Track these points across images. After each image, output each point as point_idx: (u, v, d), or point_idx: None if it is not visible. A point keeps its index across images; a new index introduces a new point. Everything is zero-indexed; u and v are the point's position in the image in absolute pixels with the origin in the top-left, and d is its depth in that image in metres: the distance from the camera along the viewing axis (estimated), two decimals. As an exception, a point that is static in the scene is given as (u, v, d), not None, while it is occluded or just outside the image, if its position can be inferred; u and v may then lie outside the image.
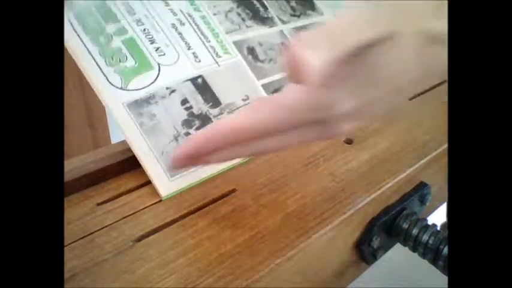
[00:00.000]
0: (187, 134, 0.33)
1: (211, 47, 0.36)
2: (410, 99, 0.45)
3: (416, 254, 0.33)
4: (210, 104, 0.34)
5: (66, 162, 0.32)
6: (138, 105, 0.32)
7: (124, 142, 0.33)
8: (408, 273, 0.93)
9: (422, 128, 0.40)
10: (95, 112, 0.97)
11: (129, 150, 0.32)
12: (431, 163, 0.36)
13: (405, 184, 0.34)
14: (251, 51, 0.38)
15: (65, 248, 0.26)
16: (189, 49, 0.35)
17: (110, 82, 0.32)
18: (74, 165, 0.32)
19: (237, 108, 0.35)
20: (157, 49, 0.34)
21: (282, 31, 0.41)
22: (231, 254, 0.26)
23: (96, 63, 0.32)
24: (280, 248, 0.26)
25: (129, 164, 0.33)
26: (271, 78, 0.38)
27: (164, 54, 0.34)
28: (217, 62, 0.36)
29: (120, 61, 0.33)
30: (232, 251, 0.26)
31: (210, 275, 0.25)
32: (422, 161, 0.35)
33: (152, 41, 0.34)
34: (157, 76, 0.33)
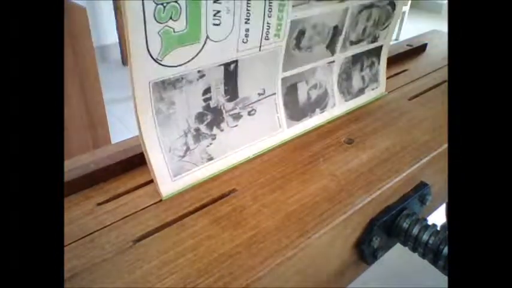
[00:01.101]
0: (197, 129, 0.32)
1: (268, 24, 0.33)
2: (411, 99, 0.45)
3: (416, 254, 0.33)
4: (228, 96, 0.34)
5: (66, 162, 0.32)
6: (163, 88, 0.29)
7: (124, 142, 0.33)
8: (408, 273, 0.93)
9: (422, 128, 0.40)
10: (95, 112, 0.97)
11: (129, 150, 0.32)
12: (431, 163, 0.36)
13: (405, 184, 0.34)
14: (300, 35, 0.37)
15: (65, 248, 0.26)
16: (246, 23, 0.32)
17: (148, 48, 0.27)
18: (74, 165, 0.32)
19: (250, 104, 0.35)
20: (216, 13, 0.29)
21: (347, 9, 0.39)
22: (231, 254, 0.26)
23: (144, 16, 0.26)
24: (280, 248, 0.26)
25: (129, 164, 0.33)
26: (292, 71, 0.38)
27: (219, 24, 0.30)
28: (261, 46, 0.34)
29: (171, 18, 0.27)
30: (232, 251, 0.26)
31: (210, 275, 0.25)
32: (422, 161, 0.35)
33: None
34: (199, 52, 0.29)
